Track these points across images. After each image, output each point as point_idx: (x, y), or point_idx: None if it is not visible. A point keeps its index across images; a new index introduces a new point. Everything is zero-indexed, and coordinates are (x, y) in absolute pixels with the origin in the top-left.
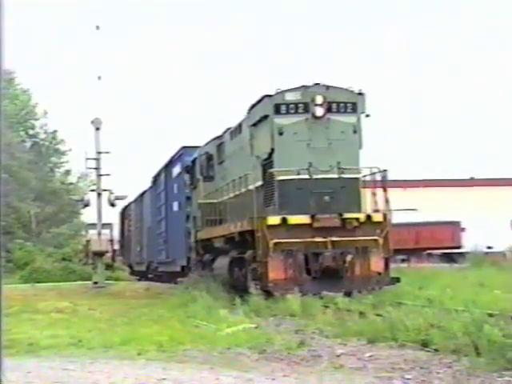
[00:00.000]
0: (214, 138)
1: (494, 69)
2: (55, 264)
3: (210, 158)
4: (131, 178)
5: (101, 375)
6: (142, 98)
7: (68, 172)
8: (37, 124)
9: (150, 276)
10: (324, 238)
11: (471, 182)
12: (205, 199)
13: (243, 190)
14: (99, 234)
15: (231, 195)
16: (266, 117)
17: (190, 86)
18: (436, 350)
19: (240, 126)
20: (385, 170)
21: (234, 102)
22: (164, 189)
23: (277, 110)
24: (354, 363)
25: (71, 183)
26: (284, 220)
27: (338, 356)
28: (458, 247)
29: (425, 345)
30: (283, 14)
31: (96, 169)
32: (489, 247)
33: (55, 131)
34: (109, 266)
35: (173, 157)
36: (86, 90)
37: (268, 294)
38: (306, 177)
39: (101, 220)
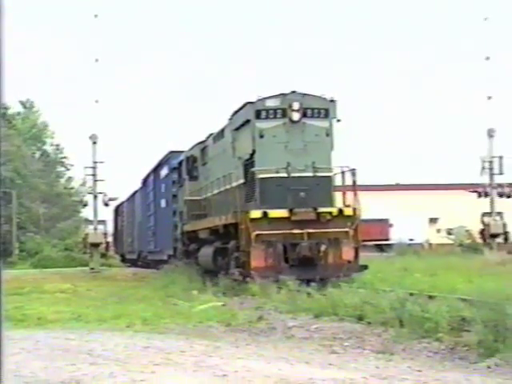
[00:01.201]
0: (199, 143)
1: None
2: (59, 253)
3: (194, 160)
4: (124, 180)
5: (96, 343)
6: (132, 112)
7: (70, 179)
8: (47, 140)
9: (139, 263)
10: (301, 230)
11: (397, 187)
12: (190, 196)
13: (226, 187)
14: (95, 228)
15: (214, 192)
16: (247, 121)
17: (176, 95)
18: (369, 323)
19: (223, 131)
20: (354, 169)
21: (217, 110)
22: (153, 188)
23: (258, 115)
24: (302, 334)
25: (72, 188)
26: (265, 214)
27: (289, 328)
28: (387, 239)
29: (360, 318)
30: (262, 28)
31: (93, 175)
32: (411, 239)
33: (58, 145)
34: (103, 255)
35: (161, 160)
36: (86, 110)
37: (246, 278)
38: (285, 175)
39: (97, 217)
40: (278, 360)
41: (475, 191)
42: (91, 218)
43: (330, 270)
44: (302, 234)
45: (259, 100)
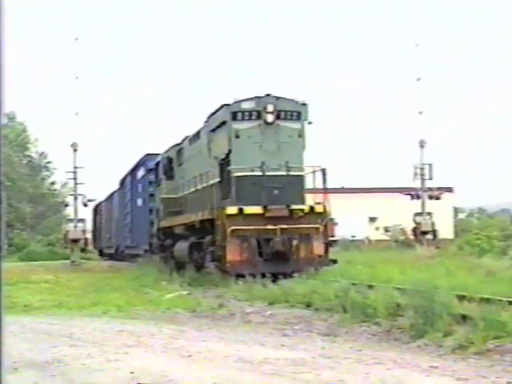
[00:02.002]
0: (175, 145)
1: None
2: (43, 248)
3: (170, 161)
4: (102, 181)
5: (76, 328)
6: (110, 120)
7: (53, 182)
8: (31, 147)
9: (116, 257)
10: (274, 225)
11: (342, 190)
12: (166, 195)
13: (203, 185)
14: (75, 226)
15: (190, 191)
16: (224, 123)
17: (150, 102)
18: (316, 309)
19: (198, 133)
20: (324, 169)
21: (190, 115)
22: (130, 189)
23: (234, 116)
24: (258, 319)
25: (55, 190)
26: (240, 210)
27: (247, 314)
28: (333, 236)
29: (308, 305)
30: (238, 36)
31: (73, 179)
32: (353, 236)
33: (43, 152)
34: (82, 250)
35: (137, 162)
36: (68, 120)
37: (225, 273)
38: (259, 174)
39: (77, 216)
40: (237, 342)
41: (409, 194)
42: (72, 216)
43: (301, 263)
44: (275, 229)
45: (235, 102)
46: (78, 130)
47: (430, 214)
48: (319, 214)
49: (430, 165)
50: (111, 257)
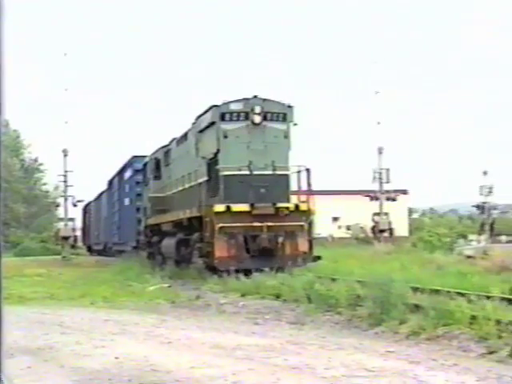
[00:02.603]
0: (162, 147)
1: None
2: (36, 244)
3: (158, 162)
4: (92, 182)
5: (66, 317)
6: (98, 125)
7: (45, 184)
8: (24, 152)
9: (104, 253)
10: (260, 223)
11: (308, 192)
12: (154, 194)
13: (190, 184)
14: (65, 224)
15: (177, 190)
16: (213, 123)
17: (138, 105)
18: (284, 300)
19: (186, 134)
20: (308, 169)
21: (177, 117)
22: (118, 189)
23: (222, 117)
24: (232, 309)
25: (47, 191)
26: (228, 208)
27: (221, 305)
28: None
29: (277, 297)
30: (224, 38)
31: (64, 182)
32: (318, 234)
33: (37, 158)
34: (72, 246)
35: (125, 164)
36: (60, 127)
37: (214, 269)
38: (247, 172)
39: (67, 215)
40: (213, 330)
41: (368, 196)
42: (62, 216)
43: (286, 260)
44: (261, 226)
45: (224, 104)
46: (68, 136)
47: (387, 213)
48: (304, 212)
49: (387, 169)
50: (99, 253)
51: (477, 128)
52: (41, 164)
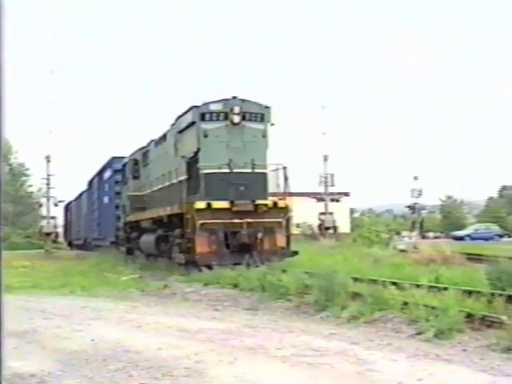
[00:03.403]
0: (140, 148)
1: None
2: (22, 239)
3: (136, 162)
4: (73, 183)
5: (48, 304)
6: (80, 128)
7: (31, 186)
8: (11, 158)
9: (84, 248)
10: (241, 219)
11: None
12: (133, 192)
13: (170, 183)
14: (48, 222)
15: (156, 188)
16: (193, 123)
17: (117, 108)
18: (241, 289)
19: (165, 135)
20: (285, 167)
21: (154, 120)
22: (97, 188)
23: (202, 117)
24: (195, 297)
25: (32, 192)
26: (209, 205)
27: (186, 293)
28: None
29: (235, 286)
30: (203, 41)
31: (47, 184)
32: None
33: (23, 163)
34: (54, 241)
35: (105, 165)
36: (43, 133)
37: (194, 263)
38: (227, 171)
39: (49, 214)
40: (178, 316)
41: (315, 197)
42: (45, 214)
43: (265, 255)
44: (241, 223)
45: (204, 104)
46: (52, 143)
47: (331, 213)
48: (282, 208)
49: (332, 174)
50: (80, 247)
51: (411, 139)
52: (27, 169)
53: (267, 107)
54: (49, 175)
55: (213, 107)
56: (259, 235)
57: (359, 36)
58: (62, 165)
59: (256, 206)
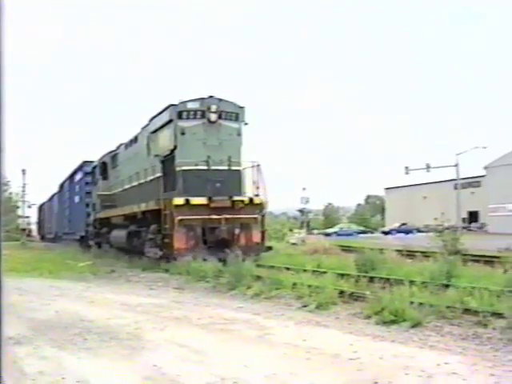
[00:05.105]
0: (109, 152)
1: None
2: (3, 234)
3: (105, 165)
4: (47, 186)
5: (23, 284)
6: (49, 136)
7: (10, 193)
8: None
9: (55, 241)
10: (218, 215)
11: None
12: (102, 192)
13: (140, 181)
14: (23, 220)
15: (125, 188)
16: (170, 121)
17: (89, 112)
18: (172, 273)
19: (136, 137)
20: (258, 165)
21: (124, 124)
22: (68, 189)
23: (180, 115)
24: (135, 279)
25: (10, 197)
26: (187, 201)
27: (129, 276)
28: None
29: (167, 271)
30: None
31: (23, 191)
32: None
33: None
34: (28, 235)
35: (76, 168)
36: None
37: (167, 258)
38: (204, 167)
39: (24, 214)
40: (122, 293)
41: None
42: (21, 214)
43: (242, 250)
44: (220, 219)
45: (181, 103)
46: (26, 157)
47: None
48: (257, 205)
49: None
50: (51, 240)
51: (304, 153)
52: (9, 180)
53: (241, 107)
54: (24, 184)
55: (190, 105)
56: (236, 231)
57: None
58: (36, 171)
59: (233, 202)
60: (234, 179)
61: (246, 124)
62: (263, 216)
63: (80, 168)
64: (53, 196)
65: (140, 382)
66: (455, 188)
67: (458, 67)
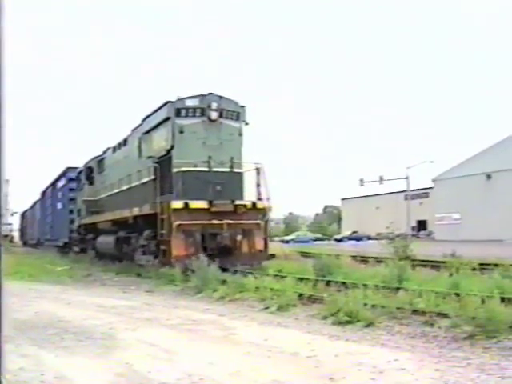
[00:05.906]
0: (95, 157)
1: None
2: None
3: (91, 170)
4: (29, 193)
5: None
6: (31, 145)
7: None
8: None
9: (37, 247)
10: (219, 220)
11: None
12: (88, 197)
13: (131, 185)
14: (6, 227)
15: (117, 191)
16: (167, 119)
17: (74, 119)
18: (143, 277)
19: (125, 140)
20: (259, 168)
21: (108, 130)
22: (50, 196)
23: (178, 113)
24: (110, 283)
25: None
26: (186, 204)
27: (103, 280)
28: None
29: (139, 275)
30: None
31: (6, 200)
32: None
33: None
34: (10, 241)
35: (60, 174)
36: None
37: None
38: (205, 169)
39: (7, 221)
40: (97, 296)
41: None
42: (3, 222)
43: (244, 258)
44: (221, 224)
45: (179, 99)
46: (9, 165)
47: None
48: (260, 210)
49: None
50: (33, 246)
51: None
52: None
53: (242, 106)
54: (7, 195)
55: (189, 103)
56: (238, 237)
57: None
58: (20, 179)
59: (235, 206)
60: (236, 182)
61: (246, 124)
62: (266, 222)
63: (63, 174)
64: (35, 203)
65: (113, 377)
66: (405, 199)
67: (408, 84)
